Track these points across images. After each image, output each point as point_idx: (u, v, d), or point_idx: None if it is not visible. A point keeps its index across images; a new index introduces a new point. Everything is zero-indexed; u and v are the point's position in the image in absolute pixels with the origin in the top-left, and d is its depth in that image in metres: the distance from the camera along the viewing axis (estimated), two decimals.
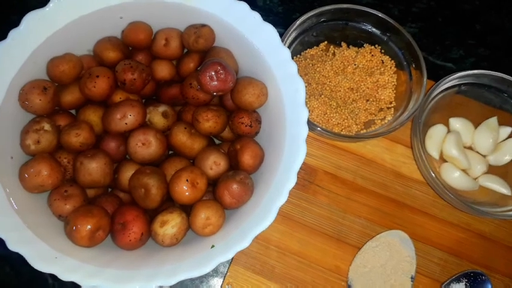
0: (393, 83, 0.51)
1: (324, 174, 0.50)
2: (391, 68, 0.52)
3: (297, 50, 0.54)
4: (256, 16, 0.44)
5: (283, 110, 0.43)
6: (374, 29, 0.52)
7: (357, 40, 0.53)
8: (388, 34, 0.52)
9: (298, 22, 0.50)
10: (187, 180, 0.40)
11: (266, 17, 0.59)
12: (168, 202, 0.43)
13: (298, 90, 0.42)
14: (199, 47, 0.46)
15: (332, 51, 0.54)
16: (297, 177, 0.50)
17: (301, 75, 0.52)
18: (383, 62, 0.52)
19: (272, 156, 0.43)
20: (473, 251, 0.49)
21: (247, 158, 0.42)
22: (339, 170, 0.51)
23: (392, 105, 0.51)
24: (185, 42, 0.46)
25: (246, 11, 0.44)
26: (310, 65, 0.52)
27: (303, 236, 0.48)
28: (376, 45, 0.53)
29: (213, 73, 0.42)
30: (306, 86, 0.51)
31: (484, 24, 0.62)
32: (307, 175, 0.50)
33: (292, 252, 0.48)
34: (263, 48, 0.44)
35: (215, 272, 0.47)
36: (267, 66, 0.44)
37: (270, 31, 0.44)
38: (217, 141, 0.49)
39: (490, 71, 0.50)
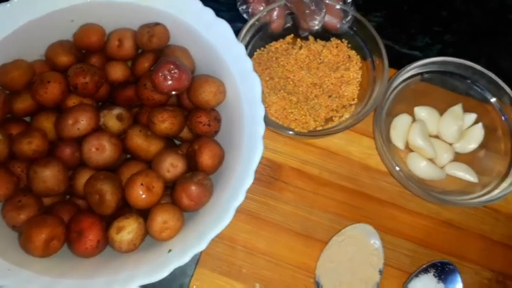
0: (358, 80, 0.50)
1: (289, 170, 0.50)
2: (356, 63, 0.51)
3: (260, 44, 0.53)
4: (209, 12, 0.43)
5: (240, 107, 0.42)
6: (341, 24, 0.51)
7: (324, 34, 0.52)
8: (353, 28, 0.51)
9: (259, 15, 0.49)
10: (142, 185, 0.39)
11: (228, 12, 0.58)
12: (126, 207, 0.42)
13: (254, 86, 0.41)
14: (153, 46, 0.45)
15: (299, 45, 0.53)
16: (263, 174, 0.50)
17: (263, 69, 0.51)
18: (349, 57, 0.51)
19: (231, 156, 0.42)
20: (443, 240, 0.48)
21: (205, 159, 0.41)
22: (304, 165, 0.50)
23: (354, 102, 0.50)
24: (139, 42, 0.45)
25: (199, 8, 0.44)
26: (274, 58, 0.51)
27: (270, 234, 0.47)
28: (343, 39, 0.52)
29: (166, 72, 0.41)
30: (267, 80, 0.50)
31: (450, 11, 0.62)
32: (272, 172, 0.49)
33: (260, 251, 0.47)
34: (218, 44, 0.44)
35: (182, 274, 0.47)
36: (224, 62, 0.44)
37: (224, 27, 0.43)
38: (178, 143, 0.48)
39: (452, 58, 0.50)
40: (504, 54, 0.60)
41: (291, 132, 0.46)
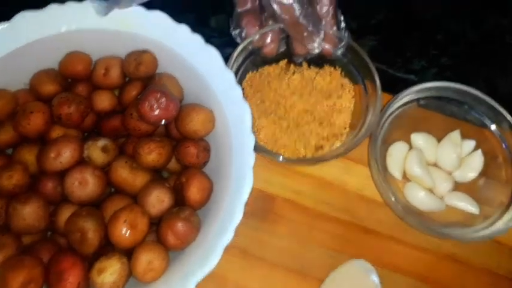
0: (350, 108, 0.49)
1: (282, 202, 0.47)
2: (349, 91, 0.50)
3: (252, 67, 0.51)
4: (198, 39, 0.42)
5: (230, 137, 0.41)
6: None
7: (318, 60, 0.51)
8: (347, 55, 0.50)
9: (251, 38, 0.48)
10: (125, 222, 0.37)
11: (220, 38, 0.57)
12: (109, 246, 0.40)
13: (244, 115, 0.40)
14: (141, 74, 0.43)
15: (292, 71, 0.51)
16: (255, 207, 0.47)
17: (254, 92, 0.50)
18: (342, 85, 0.50)
19: (219, 188, 0.40)
20: (445, 275, 0.46)
21: (193, 192, 0.40)
22: (298, 196, 0.48)
23: (345, 130, 0.48)
24: (126, 70, 0.44)
25: (187, 34, 0.43)
26: (266, 82, 0.50)
27: (263, 272, 0.45)
28: (337, 67, 0.51)
29: (153, 101, 0.40)
30: (258, 104, 0.49)
31: (445, 34, 0.61)
32: (264, 204, 0.47)
33: None
34: (207, 72, 0.42)
35: None
36: (212, 91, 0.42)
37: (212, 54, 0.42)
38: (167, 174, 0.46)
39: (449, 83, 0.48)
40: (501, 76, 0.59)
41: (280, 159, 0.45)
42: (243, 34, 0.50)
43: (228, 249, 0.35)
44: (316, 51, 0.47)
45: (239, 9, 0.51)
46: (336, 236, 0.46)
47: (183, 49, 0.43)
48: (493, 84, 0.58)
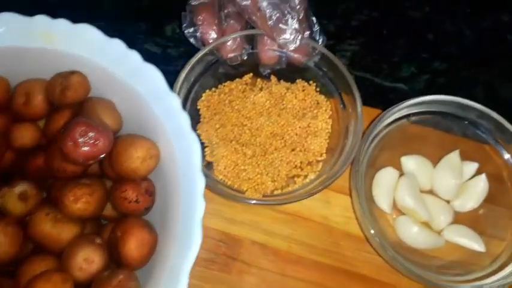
0: (327, 131, 0.41)
1: (251, 246, 0.40)
2: (326, 111, 0.42)
3: (211, 83, 0.44)
4: (134, 56, 0.34)
5: (177, 175, 0.33)
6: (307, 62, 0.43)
7: (289, 74, 0.44)
8: (322, 68, 0.42)
9: (210, 46, 0.40)
10: None
11: (177, 48, 0.50)
12: None
13: (191, 149, 0.32)
14: (68, 101, 0.35)
15: (259, 86, 0.44)
16: (217, 254, 0.40)
17: (212, 114, 0.42)
18: (318, 103, 0.42)
19: (164, 242, 0.32)
20: None
21: (131, 249, 0.32)
22: (269, 238, 0.40)
23: (322, 158, 0.41)
24: (50, 96, 0.36)
25: (122, 51, 0.35)
26: (227, 101, 0.42)
27: None
28: (311, 82, 0.43)
29: (77, 136, 0.32)
30: (218, 129, 0.41)
31: (437, 33, 0.53)
32: (229, 249, 0.39)
33: None
34: (148, 95, 0.35)
35: None
36: (156, 118, 0.34)
37: (152, 73, 0.34)
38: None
39: (444, 96, 0.41)
40: (504, 82, 0.51)
41: (245, 201, 0.37)
42: (198, 34, 0.43)
43: None
44: (292, 46, 0.39)
45: (193, 2, 0.43)
46: (316, 285, 0.39)
47: (118, 68, 0.35)
48: (495, 92, 0.50)
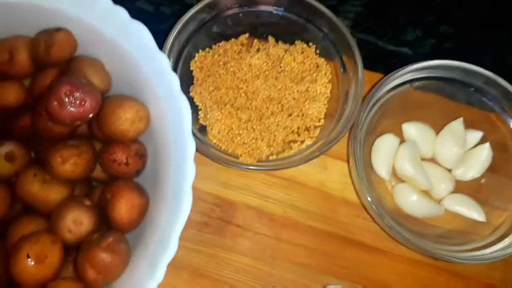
0: (326, 96, 0.40)
1: (245, 210, 0.39)
2: (325, 74, 0.40)
3: (204, 42, 0.42)
4: (121, 12, 0.32)
5: (167, 139, 0.32)
6: (306, 21, 0.41)
7: (288, 35, 0.41)
8: (322, 28, 0.40)
9: (194, 10, 0.38)
10: (29, 255, 0.28)
11: (171, 6, 0.47)
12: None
13: (181, 112, 0.31)
14: (53, 59, 0.33)
15: (256, 47, 0.41)
16: (211, 217, 0.39)
17: (205, 76, 0.40)
18: (317, 66, 0.40)
19: (155, 206, 0.31)
20: None
21: (121, 212, 0.31)
22: (264, 202, 0.39)
23: (320, 123, 0.39)
24: (34, 53, 0.34)
25: (107, 6, 0.33)
26: (221, 62, 0.40)
27: None
28: (311, 43, 0.41)
29: (63, 96, 0.31)
30: (211, 91, 0.40)
31: None
32: (223, 213, 0.39)
33: None
34: (137, 54, 0.33)
35: None
36: (146, 79, 0.33)
37: (141, 31, 0.32)
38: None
39: (450, 61, 0.39)
40: None
41: (233, 163, 0.36)
42: None
43: (177, 270, 0.28)
44: None
45: None
46: (310, 250, 0.38)
47: (106, 26, 0.33)
48: (503, 58, 0.48)
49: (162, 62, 0.32)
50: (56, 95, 0.31)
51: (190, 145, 0.30)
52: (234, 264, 0.38)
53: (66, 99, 0.31)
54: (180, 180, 0.29)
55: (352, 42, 0.37)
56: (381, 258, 0.39)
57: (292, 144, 0.38)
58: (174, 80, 0.31)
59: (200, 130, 0.39)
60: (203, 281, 0.37)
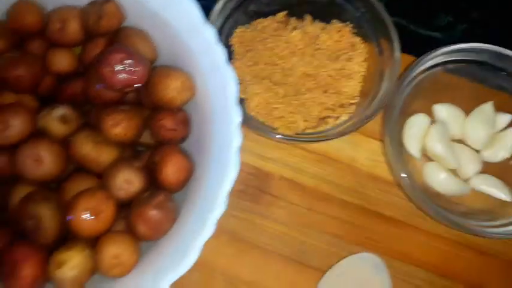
0: (361, 74, 0.41)
1: (280, 181, 0.41)
2: (361, 53, 0.41)
3: (243, 19, 0.43)
4: None
5: (212, 108, 0.33)
6: (343, 1, 0.42)
7: (325, 14, 0.43)
8: (360, 9, 0.41)
9: None
10: (86, 209, 0.31)
11: None
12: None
13: (227, 83, 0.32)
14: (103, 29, 0.35)
15: (293, 25, 0.43)
16: (248, 186, 0.41)
17: (245, 51, 0.42)
18: (353, 45, 0.42)
19: (201, 169, 0.33)
20: (465, 268, 0.40)
21: (169, 173, 0.33)
22: (298, 175, 0.41)
23: (355, 100, 0.41)
24: (85, 23, 0.36)
25: None
26: (260, 39, 0.42)
27: (255, 259, 0.39)
28: (347, 23, 0.42)
29: (116, 64, 0.32)
30: (250, 66, 0.41)
31: None
32: (259, 182, 0.41)
33: (242, 281, 0.39)
34: (183, 27, 0.34)
35: None
36: (191, 51, 0.35)
37: (188, 4, 0.34)
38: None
39: (483, 45, 0.40)
40: None
41: (272, 134, 0.38)
42: None
43: (215, 234, 0.30)
44: None
45: None
46: (340, 221, 0.40)
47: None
48: None
49: (209, 34, 0.33)
50: (109, 62, 0.32)
51: (236, 112, 0.32)
52: (269, 231, 0.40)
53: (118, 66, 0.32)
54: (228, 145, 0.31)
55: (390, 23, 0.39)
56: (407, 232, 0.40)
57: (327, 119, 0.40)
58: (220, 52, 0.33)
59: (239, 103, 0.40)
60: (240, 244, 0.39)
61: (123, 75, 0.32)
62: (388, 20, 0.39)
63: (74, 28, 0.36)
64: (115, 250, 0.31)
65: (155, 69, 0.34)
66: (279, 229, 0.40)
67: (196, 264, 0.29)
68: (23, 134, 0.33)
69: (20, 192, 0.33)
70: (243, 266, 0.39)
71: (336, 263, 0.39)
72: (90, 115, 0.37)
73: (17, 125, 0.32)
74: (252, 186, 0.41)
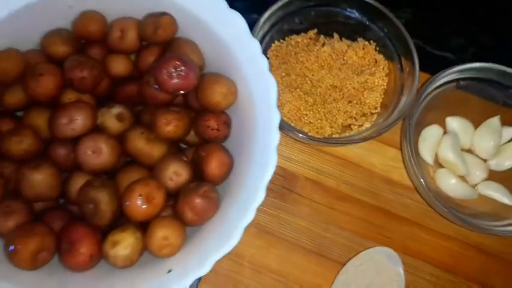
0: (383, 87, 0.46)
1: (304, 181, 0.45)
2: (383, 69, 0.46)
3: (278, 36, 0.48)
4: (221, 3, 0.38)
5: (253, 111, 0.38)
6: (369, 22, 0.46)
7: (351, 33, 0.48)
8: (384, 29, 0.46)
9: (276, 6, 0.44)
10: (140, 195, 0.35)
11: (243, 1, 0.53)
12: (124, 218, 0.38)
13: (270, 89, 0.37)
14: (159, 39, 0.40)
15: (322, 42, 0.48)
16: (276, 184, 0.45)
17: (279, 63, 0.46)
18: (376, 62, 0.46)
19: (241, 166, 0.38)
20: (469, 266, 0.44)
21: (213, 167, 0.37)
22: (321, 176, 0.45)
23: (376, 111, 0.45)
24: (143, 33, 0.41)
25: None
26: (293, 53, 0.46)
27: (280, 251, 0.43)
28: (371, 41, 0.47)
29: (171, 69, 0.37)
30: (283, 76, 0.46)
31: (488, 8, 0.56)
32: (286, 182, 0.45)
33: (269, 270, 0.43)
34: (230, 39, 0.39)
35: None
36: (236, 60, 0.39)
37: (237, 20, 0.38)
38: (184, 146, 0.43)
39: (492, 64, 0.45)
40: None
41: (303, 136, 0.42)
42: None
43: (245, 226, 0.33)
44: None
45: None
46: (358, 219, 0.44)
47: (205, 13, 0.39)
48: None
49: (255, 47, 0.38)
50: (166, 68, 0.37)
51: (276, 115, 0.36)
52: (293, 225, 0.44)
53: (174, 72, 0.37)
54: (267, 144, 0.35)
55: (411, 44, 0.43)
56: (418, 231, 0.45)
57: (352, 126, 0.44)
58: (264, 62, 0.37)
59: None
60: (267, 236, 0.43)
61: (177, 80, 0.37)
62: (409, 40, 0.44)
63: (132, 37, 0.41)
64: (164, 232, 0.35)
65: (204, 76, 0.39)
66: (303, 224, 0.44)
67: (228, 253, 0.33)
68: (86, 128, 0.37)
69: (79, 180, 0.38)
70: (269, 256, 0.43)
71: (354, 256, 0.43)
72: (140, 115, 0.41)
73: (81, 120, 0.37)
74: (280, 185, 0.45)
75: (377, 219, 0.44)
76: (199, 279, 0.42)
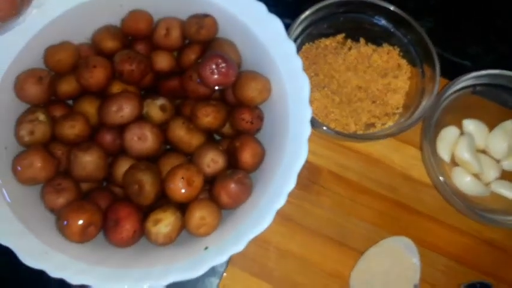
0: (405, 89, 0.49)
1: (328, 174, 0.48)
2: (406, 73, 0.49)
3: (309, 39, 0.51)
4: (261, 7, 0.42)
5: (286, 107, 0.41)
6: (394, 29, 0.50)
7: (376, 38, 0.51)
8: (407, 36, 0.49)
9: (308, 12, 0.48)
10: (182, 178, 0.38)
11: (274, 7, 0.57)
12: (163, 199, 0.41)
13: (303, 87, 0.40)
14: (201, 38, 0.44)
15: (349, 46, 0.51)
16: (301, 177, 0.48)
17: (309, 64, 0.50)
18: (399, 66, 0.50)
19: (273, 156, 0.41)
20: (482, 259, 0.47)
21: (246, 157, 0.41)
22: (344, 170, 0.48)
23: (398, 111, 0.48)
24: (187, 32, 0.44)
25: (250, 1, 0.42)
26: (322, 55, 0.50)
27: (303, 238, 0.46)
28: (395, 47, 0.50)
29: (213, 66, 0.41)
30: (312, 76, 0.49)
31: (506, 19, 0.59)
32: (311, 175, 0.48)
33: (292, 255, 0.46)
34: (267, 41, 0.42)
35: (212, 271, 0.46)
36: (272, 60, 0.42)
37: (275, 23, 0.42)
38: (217, 138, 0.47)
39: (506, 71, 0.47)
40: None
41: (329, 131, 0.45)
42: None
43: (277, 211, 0.36)
44: None
45: None
46: (379, 212, 0.47)
47: (245, 16, 0.43)
48: None
49: (290, 48, 0.41)
50: (209, 64, 0.40)
51: (308, 110, 0.39)
52: (316, 215, 0.47)
53: (216, 69, 0.41)
54: (301, 134, 0.38)
55: (433, 50, 0.46)
56: (434, 225, 0.47)
57: (375, 124, 0.47)
58: (299, 62, 0.41)
59: None
60: (292, 224, 0.47)
61: (218, 76, 0.41)
62: (431, 47, 0.47)
63: (176, 35, 0.44)
64: (202, 213, 0.38)
65: (241, 73, 0.42)
66: (325, 215, 0.47)
67: (255, 239, 0.36)
68: (133, 116, 0.41)
69: (124, 164, 0.41)
70: (293, 243, 0.46)
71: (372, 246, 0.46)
72: (179, 108, 0.45)
73: (129, 109, 0.40)
74: (304, 177, 0.48)
75: (396, 213, 0.47)
76: (229, 261, 0.46)
